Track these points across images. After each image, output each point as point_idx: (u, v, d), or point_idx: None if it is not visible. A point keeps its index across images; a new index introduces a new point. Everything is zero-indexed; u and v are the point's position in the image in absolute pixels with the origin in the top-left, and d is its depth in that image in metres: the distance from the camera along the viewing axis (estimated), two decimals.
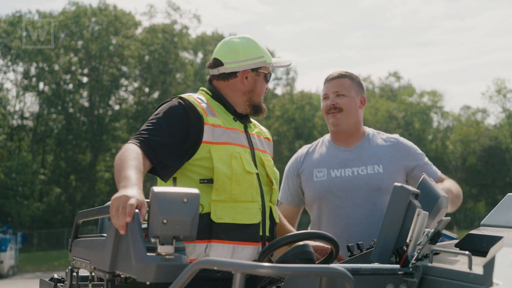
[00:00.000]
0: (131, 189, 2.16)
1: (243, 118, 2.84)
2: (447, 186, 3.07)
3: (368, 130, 3.33)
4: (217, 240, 2.57)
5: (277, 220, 2.83)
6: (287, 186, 3.41)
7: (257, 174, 2.73)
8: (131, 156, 2.41)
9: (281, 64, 2.90)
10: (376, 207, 3.10)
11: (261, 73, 2.84)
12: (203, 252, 2.56)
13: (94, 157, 41.84)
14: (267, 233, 2.74)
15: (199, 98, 2.75)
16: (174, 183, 2.65)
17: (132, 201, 2.07)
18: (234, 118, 2.80)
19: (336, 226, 3.16)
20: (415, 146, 3.27)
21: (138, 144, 2.52)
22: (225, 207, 2.59)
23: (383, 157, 3.16)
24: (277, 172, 2.90)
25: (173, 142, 2.58)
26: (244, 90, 2.81)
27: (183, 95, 2.73)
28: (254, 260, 2.67)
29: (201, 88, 2.91)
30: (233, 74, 2.81)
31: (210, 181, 2.60)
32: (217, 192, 2.58)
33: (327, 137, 3.39)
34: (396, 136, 3.29)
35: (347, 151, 3.25)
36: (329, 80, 3.29)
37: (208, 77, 2.90)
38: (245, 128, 2.83)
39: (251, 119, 2.94)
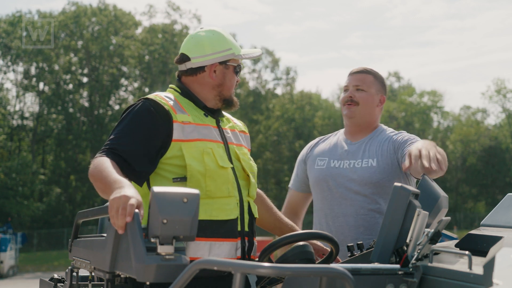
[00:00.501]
0: (129, 189, 2.16)
1: (214, 113, 2.80)
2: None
3: (380, 127, 3.33)
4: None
5: (255, 215, 2.79)
6: (296, 172, 3.47)
7: (233, 168, 2.70)
8: (107, 165, 2.41)
9: (250, 55, 2.85)
10: (367, 199, 3.13)
11: (229, 65, 2.79)
12: None
13: (94, 157, 41.82)
14: (246, 228, 2.70)
15: (166, 97, 2.72)
16: (148, 184, 2.63)
17: (133, 201, 2.07)
18: (205, 113, 2.76)
19: (327, 215, 3.23)
20: (408, 135, 3.19)
21: (108, 156, 2.50)
22: (200, 204, 2.56)
23: (378, 151, 3.18)
24: (254, 166, 2.86)
25: (142, 147, 2.55)
26: (213, 84, 2.77)
27: (149, 96, 2.70)
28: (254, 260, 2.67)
29: (170, 86, 2.88)
30: (200, 69, 2.77)
31: (183, 179, 2.58)
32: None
33: (342, 129, 3.44)
34: (401, 131, 3.28)
35: (351, 145, 3.28)
36: (352, 73, 3.32)
37: (177, 73, 2.87)
38: (217, 123, 2.79)
39: (224, 114, 2.91)
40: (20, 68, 42.73)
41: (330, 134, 3.50)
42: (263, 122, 45.55)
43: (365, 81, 3.27)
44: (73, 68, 43.24)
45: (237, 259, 2.63)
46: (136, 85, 45.63)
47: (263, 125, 45.43)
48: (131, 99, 44.73)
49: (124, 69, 44.30)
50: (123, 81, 44.86)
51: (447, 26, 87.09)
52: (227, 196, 2.63)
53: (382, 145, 3.19)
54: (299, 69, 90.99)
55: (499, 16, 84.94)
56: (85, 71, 43.47)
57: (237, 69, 2.82)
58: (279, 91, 50.75)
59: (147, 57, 43.98)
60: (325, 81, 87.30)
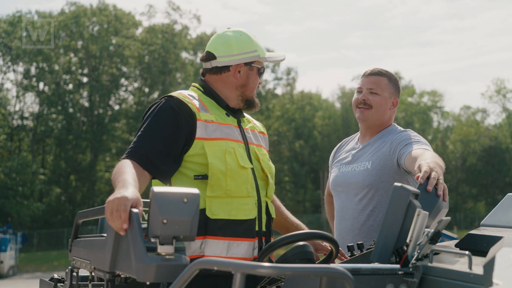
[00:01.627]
0: (125, 190, 2.17)
1: (236, 113, 2.82)
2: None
3: (390, 127, 3.29)
4: (212, 237, 2.57)
5: (273, 215, 2.82)
6: (330, 174, 3.51)
7: (252, 169, 2.72)
8: (124, 166, 2.44)
9: (275, 59, 2.89)
10: (362, 203, 3.14)
11: (254, 67, 2.81)
12: (198, 249, 2.56)
13: (94, 157, 41.85)
14: (264, 228, 2.73)
15: (190, 95, 2.74)
16: (169, 181, 2.65)
17: (125, 205, 2.07)
18: (227, 113, 2.78)
19: (336, 218, 3.30)
20: (409, 134, 3.15)
21: (132, 158, 2.52)
22: (220, 203, 2.59)
23: (375, 153, 3.17)
24: (273, 167, 2.89)
25: (166, 146, 2.57)
26: (236, 84, 2.79)
27: (173, 93, 2.72)
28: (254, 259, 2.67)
29: (192, 84, 2.89)
30: (225, 68, 2.79)
31: (204, 177, 2.59)
32: (212, 188, 2.58)
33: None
34: (406, 130, 3.24)
35: (359, 148, 3.30)
36: (366, 75, 3.28)
37: (201, 70, 2.89)
38: (239, 122, 2.81)
39: (244, 114, 2.93)
40: (20, 68, 42.78)
41: (351, 137, 3.51)
42: (263, 122, 45.32)
43: (379, 84, 3.23)
44: (73, 68, 43.23)
45: (254, 258, 2.66)
46: (136, 85, 45.62)
47: (263, 125, 45.40)
48: (131, 99, 44.75)
49: (124, 69, 44.29)
50: (123, 81, 44.87)
51: (447, 26, 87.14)
52: (246, 196, 2.65)
53: (381, 147, 3.18)
54: (299, 69, 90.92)
55: (499, 16, 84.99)
56: (85, 71, 43.46)
57: (261, 71, 2.84)
58: (279, 91, 50.81)
59: (147, 57, 43.97)
60: (325, 81, 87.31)
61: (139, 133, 2.62)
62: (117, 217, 2.06)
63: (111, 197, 2.13)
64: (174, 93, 2.73)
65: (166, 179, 2.61)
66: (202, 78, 2.87)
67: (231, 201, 2.61)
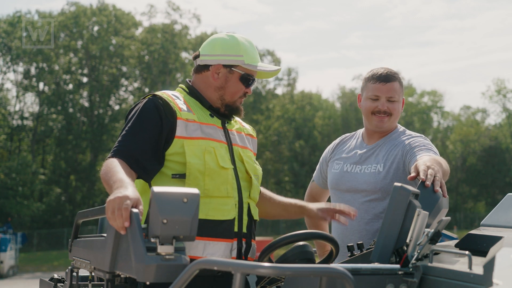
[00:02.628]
0: (125, 189, 2.17)
1: (221, 114, 2.81)
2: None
3: (397, 129, 3.29)
4: None
5: (255, 217, 2.79)
6: (320, 169, 3.49)
7: (235, 169, 2.71)
8: (114, 165, 2.43)
9: (263, 69, 2.80)
10: (372, 204, 3.13)
11: (235, 71, 2.77)
12: None
13: (94, 157, 41.85)
14: (244, 230, 2.70)
15: (173, 95, 2.75)
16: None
17: (127, 203, 2.07)
18: (211, 114, 2.78)
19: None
20: (420, 140, 3.15)
21: (119, 157, 2.52)
22: None
23: (387, 156, 3.17)
24: (259, 169, 2.88)
25: (152, 146, 2.58)
26: (215, 85, 2.78)
27: (156, 93, 2.73)
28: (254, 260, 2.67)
29: (179, 85, 2.90)
30: (206, 67, 2.79)
31: (182, 176, 2.59)
32: (190, 187, 2.58)
33: (362, 130, 3.41)
34: (418, 135, 3.22)
35: (366, 148, 3.27)
36: (382, 82, 3.18)
37: (193, 69, 2.90)
38: (223, 123, 2.80)
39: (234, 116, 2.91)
40: (20, 68, 42.77)
41: (353, 133, 3.47)
42: (263, 122, 45.54)
43: (396, 91, 3.19)
44: (73, 68, 43.23)
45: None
46: (136, 85, 45.62)
47: (263, 125, 45.42)
48: (131, 99, 44.72)
49: (124, 69, 44.29)
50: (123, 81, 44.86)
51: (447, 26, 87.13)
52: (225, 197, 2.64)
53: (393, 149, 3.17)
54: (299, 69, 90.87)
55: (499, 16, 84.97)
56: (85, 71, 43.46)
57: (244, 79, 2.78)
58: (279, 91, 50.82)
59: (147, 57, 43.97)
60: (325, 81, 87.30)
61: (124, 132, 2.62)
62: (118, 216, 2.05)
63: (111, 196, 2.13)
64: (158, 92, 2.74)
65: (149, 179, 2.61)
66: (189, 80, 2.89)
67: (209, 201, 2.60)
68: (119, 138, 2.61)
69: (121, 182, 2.26)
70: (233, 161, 2.73)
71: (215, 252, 2.59)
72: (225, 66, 2.76)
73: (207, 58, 2.78)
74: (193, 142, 2.63)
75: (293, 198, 3.20)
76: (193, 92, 2.81)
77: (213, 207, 2.60)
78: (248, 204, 2.75)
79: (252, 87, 2.87)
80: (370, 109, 3.21)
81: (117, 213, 2.06)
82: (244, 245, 2.69)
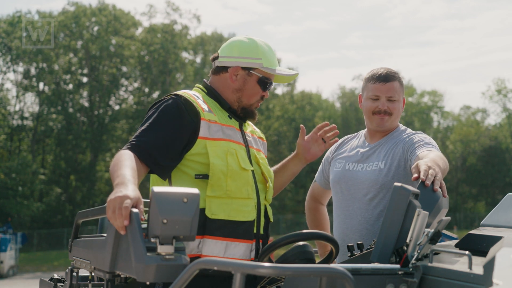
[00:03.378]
0: (125, 188, 2.16)
1: (238, 116, 2.83)
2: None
3: (398, 128, 3.32)
4: (210, 237, 2.57)
5: (271, 219, 2.84)
6: (322, 169, 3.51)
7: (252, 171, 2.74)
8: (124, 158, 2.42)
9: (281, 73, 2.84)
10: (372, 202, 3.13)
11: (253, 74, 2.78)
12: (196, 248, 2.56)
13: (94, 157, 41.85)
14: (261, 231, 2.74)
15: (194, 95, 2.75)
16: (169, 179, 2.65)
17: (127, 203, 2.06)
18: (229, 115, 2.79)
19: (339, 217, 3.26)
20: (420, 136, 3.19)
21: (131, 149, 2.52)
22: (220, 203, 2.59)
23: (388, 154, 3.18)
24: (272, 171, 2.92)
25: (168, 141, 2.57)
26: (233, 87, 2.79)
27: (178, 92, 2.73)
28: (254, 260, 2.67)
29: (196, 85, 2.91)
30: (224, 69, 2.80)
31: (205, 176, 2.60)
32: (212, 188, 2.59)
33: (364, 130, 3.44)
34: (418, 132, 3.26)
35: (367, 147, 3.29)
36: (382, 82, 3.21)
37: (211, 70, 2.91)
38: (240, 125, 2.83)
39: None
40: (20, 68, 42.77)
41: (354, 135, 3.50)
42: (263, 122, 45.54)
43: (396, 90, 3.22)
44: (73, 68, 43.23)
45: (251, 260, 2.66)
46: (136, 85, 45.62)
47: (263, 125, 45.41)
48: (131, 99, 44.75)
49: (124, 69, 44.29)
50: (123, 81, 44.86)
51: (447, 26, 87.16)
52: (246, 198, 2.66)
53: (394, 147, 3.18)
54: (299, 69, 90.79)
55: (499, 16, 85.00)
56: (85, 71, 43.46)
57: (262, 82, 2.79)
58: (279, 91, 50.78)
59: (147, 57, 43.97)
60: (324, 81, 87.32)
61: (143, 127, 2.62)
62: (118, 216, 2.05)
63: (112, 196, 2.12)
64: (180, 92, 2.74)
65: (163, 175, 2.61)
66: (206, 80, 2.89)
67: (231, 202, 2.62)
68: (136, 133, 2.61)
69: (123, 178, 2.24)
70: (251, 163, 2.76)
71: (236, 253, 2.62)
72: (243, 68, 2.78)
73: (225, 59, 2.79)
74: (215, 143, 2.64)
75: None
76: (211, 92, 2.82)
77: (234, 208, 2.62)
78: (265, 205, 2.79)
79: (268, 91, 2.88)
80: (371, 109, 3.23)
81: (118, 213, 2.06)
82: (261, 246, 2.73)
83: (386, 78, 3.21)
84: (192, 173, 2.62)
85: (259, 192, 2.75)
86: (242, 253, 2.63)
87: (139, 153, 2.51)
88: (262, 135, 3.04)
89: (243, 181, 2.66)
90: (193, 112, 2.64)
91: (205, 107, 2.70)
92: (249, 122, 2.96)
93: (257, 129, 3.03)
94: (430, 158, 2.69)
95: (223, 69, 2.80)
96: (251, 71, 2.78)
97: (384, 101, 3.20)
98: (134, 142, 2.55)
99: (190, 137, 2.61)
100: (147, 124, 2.62)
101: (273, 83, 2.89)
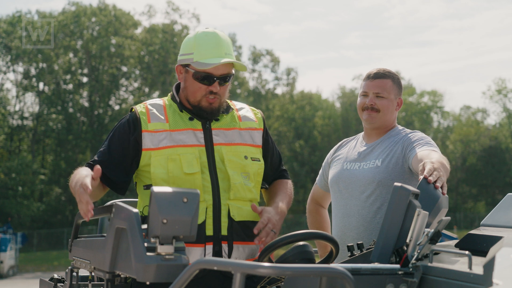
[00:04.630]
0: (75, 176, 2.47)
1: (201, 116, 2.74)
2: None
3: (396, 128, 3.33)
4: None
5: (237, 218, 2.71)
6: (322, 172, 3.53)
7: (214, 171, 2.68)
8: (81, 170, 2.59)
9: (207, 66, 2.64)
10: (369, 200, 3.14)
11: (189, 70, 2.70)
12: None
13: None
14: (224, 232, 2.67)
15: (152, 104, 2.79)
16: (135, 187, 2.82)
17: (80, 191, 2.31)
18: (191, 117, 2.75)
19: (337, 216, 3.28)
20: (419, 135, 3.20)
21: (88, 167, 2.66)
22: None
23: (385, 151, 3.20)
24: (251, 165, 2.77)
25: (117, 158, 2.70)
26: (182, 87, 2.79)
27: (136, 106, 2.80)
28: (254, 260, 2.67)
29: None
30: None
31: (149, 186, 2.67)
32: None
33: (363, 132, 3.45)
34: (415, 131, 3.28)
35: (365, 146, 3.32)
36: (371, 79, 3.28)
37: None
38: (204, 124, 2.74)
39: (235, 109, 2.88)
40: (20, 68, 42.77)
41: (353, 137, 3.54)
42: None
43: (385, 88, 3.25)
44: (73, 68, 43.23)
45: None
46: (136, 85, 45.63)
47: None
48: (131, 99, 44.73)
49: (124, 69, 44.30)
50: (123, 81, 44.86)
51: (446, 26, 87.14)
52: None
53: (392, 146, 3.20)
54: (298, 69, 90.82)
55: (498, 16, 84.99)
56: (85, 71, 43.47)
57: (196, 76, 2.68)
58: (279, 91, 50.82)
59: (147, 57, 43.97)
60: (324, 81, 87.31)
61: (102, 145, 2.79)
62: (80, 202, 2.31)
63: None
64: (138, 105, 2.82)
65: (119, 190, 2.73)
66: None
67: None
68: (97, 152, 2.78)
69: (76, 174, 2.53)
70: (213, 163, 2.69)
71: (190, 259, 2.53)
72: (182, 65, 2.74)
73: (178, 58, 2.80)
74: (159, 152, 2.67)
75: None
76: (173, 96, 2.82)
77: None
78: (228, 205, 2.70)
79: (217, 84, 2.69)
80: (360, 105, 3.31)
81: (79, 200, 2.31)
82: (226, 249, 2.66)
83: (376, 75, 3.28)
84: (141, 184, 2.73)
85: (220, 192, 2.67)
86: (192, 257, 2.57)
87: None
88: (256, 125, 2.90)
89: (188, 186, 2.62)
90: (136, 126, 2.71)
91: (155, 117, 2.72)
92: (236, 114, 2.86)
93: (249, 119, 2.89)
94: (436, 159, 2.69)
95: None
96: (187, 67, 2.71)
97: (372, 97, 3.26)
98: (91, 161, 2.71)
99: (135, 151, 2.70)
100: (105, 141, 2.78)
101: (222, 75, 2.70)
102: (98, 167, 2.39)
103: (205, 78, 2.68)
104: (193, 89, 2.71)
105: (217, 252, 2.64)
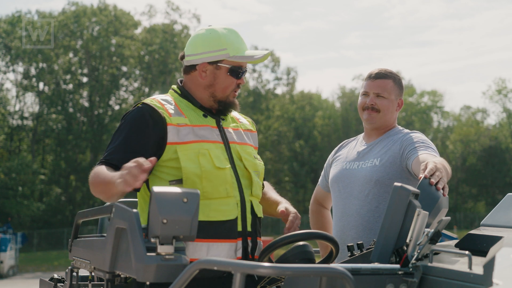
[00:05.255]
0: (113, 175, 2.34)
1: (216, 113, 2.78)
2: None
3: (396, 128, 3.34)
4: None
5: (259, 215, 2.77)
6: (324, 173, 3.54)
7: (234, 168, 2.70)
8: (102, 170, 2.51)
9: (248, 59, 2.73)
10: (367, 198, 3.15)
11: (221, 66, 2.71)
12: None
13: (94, 157, 41.84)
14: (249, 228, 2.69)
15: (164, 100, 2.74)
16: (147, 185, 2.67)
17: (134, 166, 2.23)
18: (204, 114, 2.76)
19: (336, 215, 3.29)
20: (419, 137, 3.20)
21: (104, 165, 2.56)
22: None
23: (384, 150, 3.21)
24: (260, 164, 2.84)
25: (138, 154, 2.54)
26: (204, 84, 2.75)
27: (145, 100, 2.72)
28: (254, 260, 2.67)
29: (172, 87, 2.88)
30: (192, 67, 2.76)
31: (179, 181, 2.59)
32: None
33: (363, 133, 3.47)
34: (415, 131, 3.28)
35: (365, 146, 3.33)
36: (372, 78, 3.29)
37: (182, 70, 2.88)
38: (217, 122, 2.77)
39: (230, 112, 2.89)
40: (20, 68, 42.78)
41: (353, 138, 3.55)
42: (263, 122, 45.54)
43: (385, 88, 3.26)
44: (73, 68, 43.23)
45: (238, 259, 2.62)
46: (136, 85, 45.63)
47: (263, 125, 45.42)
48: (131, 99, 44.74)
49: (124, 69, 44.30)
50: (123, 81, 44.86)
51: (446, 26, 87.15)
52: (225, 197, 2.63)
53: (391, 145, 3.21)
54: (298, 69, 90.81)
55: (498, 16, 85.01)
56: (85, 71, 43.47)
57: (233, 71, 2.73)
58: (279, 91, 50.83)
59: (147, 57, 43.97)
60: (324, 81, 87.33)
61: (112, 141, 2.66)
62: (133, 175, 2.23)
63: (120, 180, 2.27)
64: (147, 99, 2.73)
65: (139, 187, 2.63)
66: (181, 80, 2.86)
67: (209, 203, 2.59)
68: (108, 148, 2.65)
69: (112, 173, 2.38)
70: (232, 160, 2.71)
71: (219, 254, 2.59)
72: (210, 63, 2.72)
73: (191, 58, 2.75)
74: (186, 146, 2.62)
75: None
76: (184, 93, 2.79)
77: (213, 209, 2.59)
78: (251, 202, 2.73)
79: (246, 76, 2.82)
80: (361, 105, 3.32)
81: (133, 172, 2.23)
82: (250, 244, 2.69)
83: (377, 75, 3.29)
84: (167, 178, 2.62)
85: (243, 188, 2.70)
86: (225, 253, 2.60)
87: (112, 167, 2.54)
88: (251, 127, 2.96)
89: (220, 180, 2.62)
90: (159, 119, 2.63)
91: (173, 111, 2.68)
92: (234, 116, 2.91)
93: (244, 121, 2.95)
94: (439, 161, 2.70)
95: (191, 68, 2.76)
96: (218, 64, 2.72)
97: (372, 97, 3.27)
98: (106, 159, 2.60)
99: (159, 145, 2.62)
100: (116, 137, 2.66)
101: (248, 67, 2.84)
102: (152, 158, 2.28)
103: (239, 72, 2.74)
104: (225, 84, 2.73)
105: (244, 248, 2.67)
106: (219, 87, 2.74)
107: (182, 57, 2.81)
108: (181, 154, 2.60)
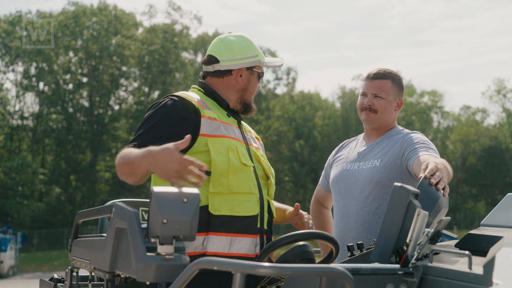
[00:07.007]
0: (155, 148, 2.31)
1: (236, 115, 2.89)
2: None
3: (396, 128, 3.34)
4: (215, 233, 2.59)
5: (274, 215, 2.88)
6: (324, 173, 3.56)
7: (254, 168, 2.77)
8: (131, 150, 2.47)
9: (274, 64, 2.96)
10: (368, 200, 3.15)
11: (255, 72, 2.88)
12: (200, 246, 2.58)
13: (94, 157, 41.86)
14: (265, 226, 2.77)
15: (192, 94, 2.80)
16: None
17: (184, 162, 2.24)
18: (228, 114, 2.84)
19: (337, 216, 3.30)
20: (419, 137, 3.19)
21: (136, 148, 2.51)
22: (222, 199, 2.62)
23: (384, 151, 3.21)
24: (272, 169, 2.95)
25: (169, 141, 2.51)
26: (237, 88, 2.85)
27: (176, 93, 2.76)
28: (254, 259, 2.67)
29: (192, 86, 2.93)
30: (228, 72, 2.84)
31: (207, 173, 2.59)
32: (214, 185, 2.61)
33: (363, 133, 3.47)
34: (415, 132, 3.28)
35: (365, 146, 3.33)
36: (370, 79, 3.29)
37: (201, 73, 2.93)
38: (239, 123, 2.88)
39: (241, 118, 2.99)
40: (20, 68, 42.78)
41: (353, 138, 3.56)
42: (263, 122, 45.56)
43: (384, 88, 3.26)
44: (73, 68, 43.24)
45: (256, 256, 2.69)
46: (136, 85, 45.62)
47: (263, 125, 45.44)
48: (131, 99, 44.76)
49: (124, 69, 44.29)
50: (123, 81, 44.86)
51: (446, 26, 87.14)
52: (248, 193, 2.69)
53: (391, 145, 3.21)
54: (298, 69, 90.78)
55: (498, 16, 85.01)
56: (85, 71, 43.46)
57: (260, 75, 2.92)
58: (279, 91, 50.83)
59: (147, 57, 43.96)
60: (324, 81, 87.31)
61: (143, 128, 2.63)
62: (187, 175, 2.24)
63: (159, 160, 2.29)
64: (177, 93, 2.76)
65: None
66: (202, 80, 2.91)
67: (234, 197, 2.64)
68: (136, 134, 2.62)
69: (145, 149, 2.36)
70: (251, 160, 2.79)
71: (241, 248, 2.64)
72: (247, 68, 2.86)
73: (229, 63, 2.83)
74: (217, 140, 2.67)
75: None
76: (209, 92, 2.85)
77: (237, 203, 2.65)
78: (268, 201, 2.82)
79: None
80: (359, 106, 3.33)
81: (185, 171, 2.25)
82: (265, 241, 2.76)
83: (376, 76, 3.28)
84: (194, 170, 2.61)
85: (261, 187, 2.78)
86: (247, 248, 2.66)
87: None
88: (257, 136, 3.08)
89: (245, 177, 2.69)
90: (192, 110, 2.67)
91: (204, 105, 2.75)
92: (243, 123, 3.00)
93: (252, 130, 3.07)
94: (440, 161, 2.70)
95: (226, 72, 2.84)
96: (252, 69, 2.87)
97: (370, 97, 3.27)
98: (135, 143, 2.55)
99: (191, 135, 2.59)
100: (147, 125, 2.63)
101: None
102: (188, 136, 2.31)
103: (262, 76, 2.94)
104: (254, 88, 2.91)
105: (261, 245, 2.73)
106: (250, 91, 2.89)
107: (209, 62, 2.85)
108: (212, 147, 2.64)
